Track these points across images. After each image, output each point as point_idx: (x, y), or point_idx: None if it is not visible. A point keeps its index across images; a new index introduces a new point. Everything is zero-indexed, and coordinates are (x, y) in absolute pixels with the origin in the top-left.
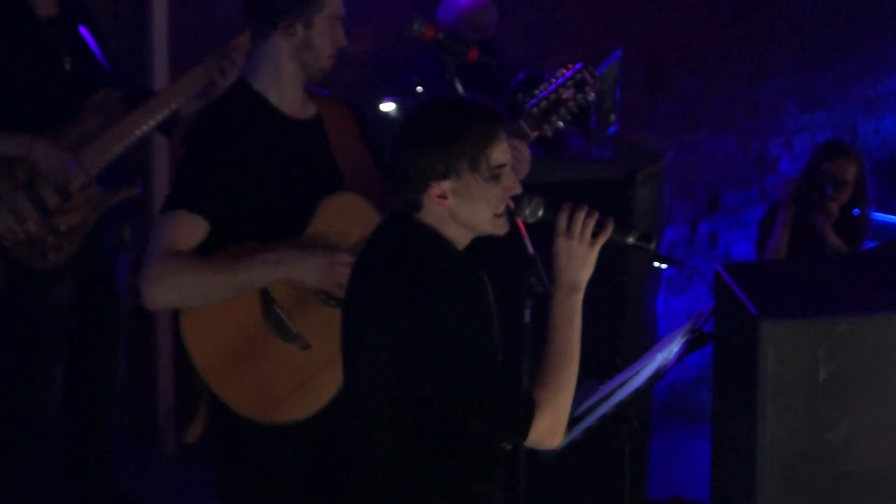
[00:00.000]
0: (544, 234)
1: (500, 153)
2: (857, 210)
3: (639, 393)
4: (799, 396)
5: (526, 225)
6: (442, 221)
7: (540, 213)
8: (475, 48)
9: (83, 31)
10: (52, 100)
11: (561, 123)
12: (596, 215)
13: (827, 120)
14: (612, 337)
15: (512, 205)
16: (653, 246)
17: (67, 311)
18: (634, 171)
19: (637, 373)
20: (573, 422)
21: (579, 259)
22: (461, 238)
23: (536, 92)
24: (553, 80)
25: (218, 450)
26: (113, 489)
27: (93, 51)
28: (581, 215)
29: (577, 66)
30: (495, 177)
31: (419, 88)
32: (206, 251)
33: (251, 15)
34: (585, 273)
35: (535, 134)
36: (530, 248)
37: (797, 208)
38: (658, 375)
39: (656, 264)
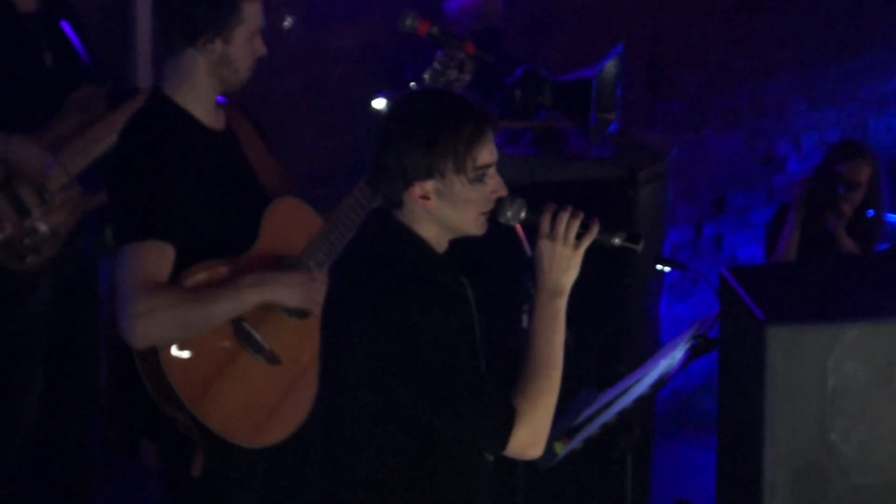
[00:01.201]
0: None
1: (486, 154)
2: (870, 211)
3: (641, 401)
4: (807, 405)
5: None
6: (421, 221)
7: (522, 214)
8: (471, 43)
9: (65, 26)
10: (32, 96)
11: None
12: (581, 216)
13: (836, 118)
14: (613, 343)
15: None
16: (641, 246)
17: (45, 316)
18: (636, 170)
19: (639, 380)
20: (573, 431)
21: (563, 262)
22: (441, 238)
23: (425, 76)
24: (435, 63)
25: (209, 480)
26: (92, 502)
27: (75, 46)
28: (565, 216)
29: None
30: (480, 178)
31: (412, 84)
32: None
33: (164, 27)
34: (569, 276)
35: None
36: (528, 251)
37: (808, 210)
38: (661, 383)
39: (659, 267)
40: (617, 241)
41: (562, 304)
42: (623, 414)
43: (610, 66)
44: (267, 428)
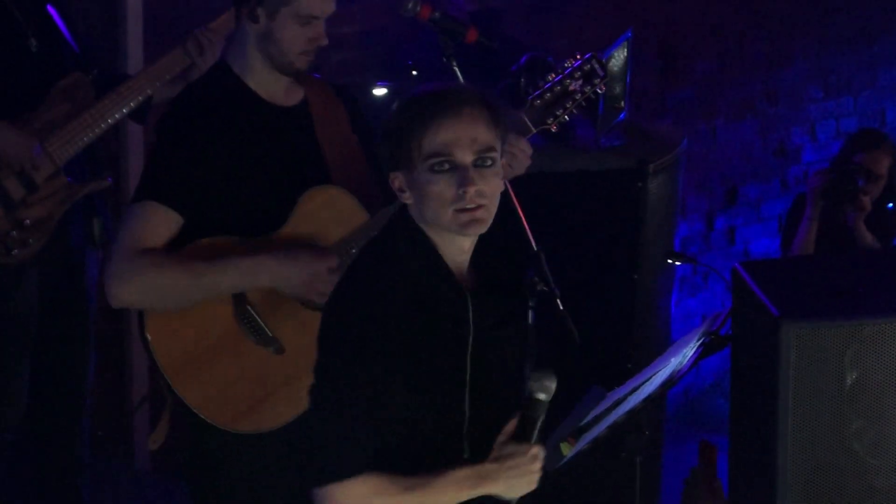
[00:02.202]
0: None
1: (433, 142)
2: (891, 204)
3: (651, 400)
4: (823, 404)
5: (528, 220)
6: (420, 221)
7: (541, 397)
8: (474, 29)
9: (51, 10)
10: (17, 83)
11: (567, 118)
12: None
13: (853, 106)
14: (623, 340)
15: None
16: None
17: (33, 311)
18: (646, 161)
19: (649, 379)
20: (580, 431)
21: (521, 478)
22: (447, 239)
23: (541, 83)
24: (561, 70)
25: (186, 457)
26: (83, 503)
27: (61, 32)
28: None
29: (587, 55)
30: (434, 168)
31: (414, 72)
32: (178, 245)
33: None
34: (509, 488)
35: (536, 129)
36: (534, 244)
37: (826, 202)
38: (671, 382)
39: (669, 261)
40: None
41: (480, 490)
42: (632, 414)
43: (619, 53)
44: (252, 415)
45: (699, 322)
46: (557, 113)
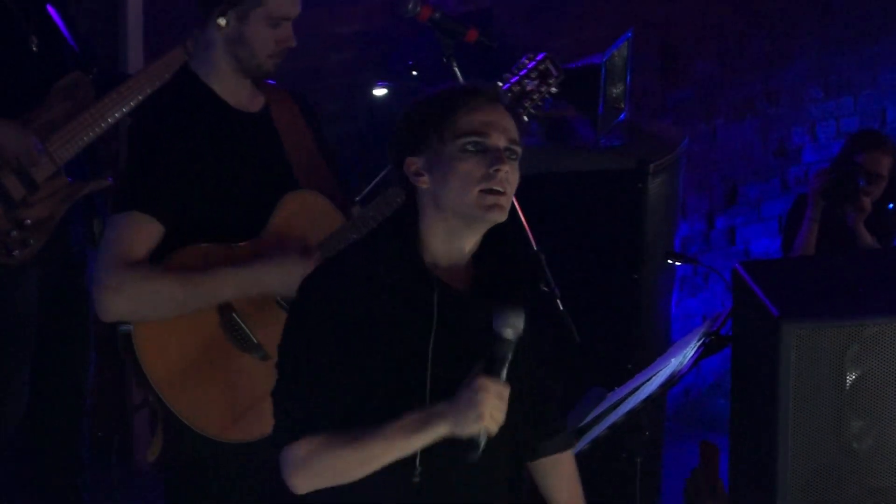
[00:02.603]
0: (546, 233)
1: (469, 119)
2: (891, 205)
3: (651, 401)
4: (823, 404)
5: (528, 220)
6: (427, 210)
7: (507, 332)
8: (474, 29)
9: (51, 10)
10: (17, 82)
11: (525, 118)
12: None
13: (854, 106)
14: (623, 340)
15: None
16: (467, 457)
17: (33, 311)
18: (646, 161)
19: (649, 379)
20: (581, 431)
21: (470, 409)
22: (451, 233)
23: (499, 83)
24: (515, 70)
25: (173, 467)
26: (82, 503)
27: (61, 31)
28: (507, 392)
29: (540, 55)
30: (466, 146)
31: (414, 73)
32: (158, 254)
33: None
34: (460, 422)
35: None
36: (534, 245)
37: (827, 202)
38: (672, 382)
39: (670, 262)
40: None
41: (431, 427)
42: (632, 414)
43: (619, 53)
44: (241, 424)
45: (699, 322)
46: (517, 112)
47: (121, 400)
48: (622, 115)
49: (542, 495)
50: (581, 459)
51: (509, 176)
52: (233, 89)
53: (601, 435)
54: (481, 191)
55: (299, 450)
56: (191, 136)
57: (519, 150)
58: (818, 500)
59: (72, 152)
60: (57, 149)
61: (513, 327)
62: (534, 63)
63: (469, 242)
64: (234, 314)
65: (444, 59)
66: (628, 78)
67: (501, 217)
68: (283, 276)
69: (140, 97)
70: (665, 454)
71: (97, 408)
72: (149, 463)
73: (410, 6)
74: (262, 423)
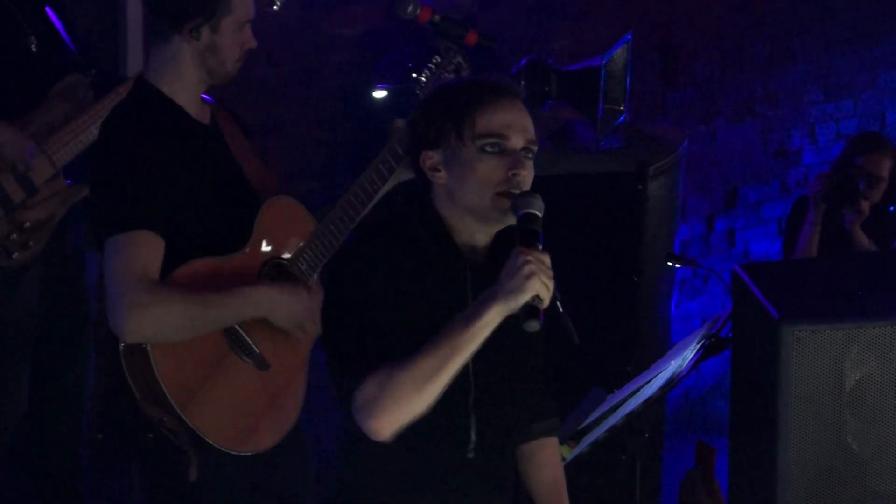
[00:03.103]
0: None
1: (489, 120)
2: (892, 207)
3: (651, 403)
4: (824, 407)
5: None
6: (443, 203)
7: (530, 210)
8: (474, 31)
9: (50, 11)
10: (16, 83)
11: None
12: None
13: (853, 109)
14: (623, 343)
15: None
16: (527, 327)
17: (33, 313)
18: (646, 163)
19: (649, 381)
20: (581, 433)
21: (517, 275)
22: (467, 227)
23: (423, 79)
24: (434, 67)
25: (166, 484)
26: None
27: (60, 33)
28: (547, 257)
29: (453, 51)
30: (485, 148)
31: (414, 75)
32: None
33: (151, 12)
34: (509, 292)
35: None
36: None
37: (827, 205)
38: (671, 384)
39: (669, 264)
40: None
41: (487, 311)
42: (632, 416)
43: (619, 55)
44: (253, 434)
45: (699, 324)
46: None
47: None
48: (622, 117)
49: (523, 479)
50: (581, 461)
51: (527, 176)
52: (192, 101)
53: (601, 437)
54: (498, 193)
55: (368, 389)
56: (167, 149)
57: (535, 147)
58: (818, 502)
59: (70, 155)
60: (56, 151)
61: (535, 206)
62: (445, 59)
63: (481, 238)
64: (235, 326)
65: (430, 63)
66: (628, 80)
67: (514, 219)
68: (292, 306)
69: None
70: (665, 456)
71: (96, 410)
72: (191, 480)
73: (410, 8)
74: (269, 435)
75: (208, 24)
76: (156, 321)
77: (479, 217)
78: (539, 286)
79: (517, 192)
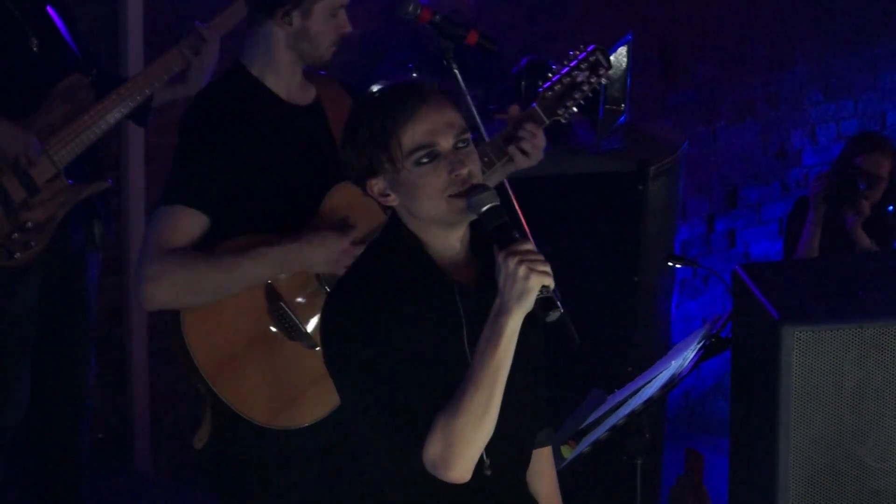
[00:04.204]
0: (547, 235)
1: (411, 136)
2: (892, 207)
3: (651, 403)
4: (824, 407)
5: (529, 223)
6: (410, 222)
7: (484, 208)
8: (475, 31)
9: (51, 11)
10: (17, 83)
11: (575, 109)
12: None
13: (853, 109)
14: (623, 343)
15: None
16: (549, 317)
17: (34, 313)
18: (646, 163)
19: (649, 381)
20: (581, 434)
21: (516, 281)
22: (439, 237)
23: (550, 75)
24: (566, 62)
25: (216, 456)
26: None
27: (61, 33)
28: (530, 245)
29: (590, 47)
30: (422, 161)
31: (414, 75)
32: (209, 246)
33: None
34: (517, 301)
35: (549, 120)
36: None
37: (828, 206)
38: (672, 384)
39: (670, 264)
40: (544, 294)
41: (506, 325)
42: (633, 416)
43: (619, 55)
44: (288, 411)
45: (700, 325)
46: (567, 104)
47: (121, 402)
48: (622, 118)
49: None
50: (582, 461)
51: (473, 169)
52: (287, 83)
53: (602, 437)
54: (450, 197)
55: (434, 448)
56: (240, 131)
57: (468, 134)
58: (819, 502)
59: (72, 154)
60: (57, 151)
61: (489, 199)
62: (584, 54)
63: (456, 238)
64: (281, 303)
65: (445, 62)
66: (629, 80)
67: (476, 213)
68: (320, 251)
69: (139, 98)
70: (665, 456)
71: (97, 409)
72: (196, 449)
73: (410, 8)
74: (309, 411)
75: (299, 10)
76: (168, 289)
77: (445, 224)
78: (538, 279)
79: (467, 189)
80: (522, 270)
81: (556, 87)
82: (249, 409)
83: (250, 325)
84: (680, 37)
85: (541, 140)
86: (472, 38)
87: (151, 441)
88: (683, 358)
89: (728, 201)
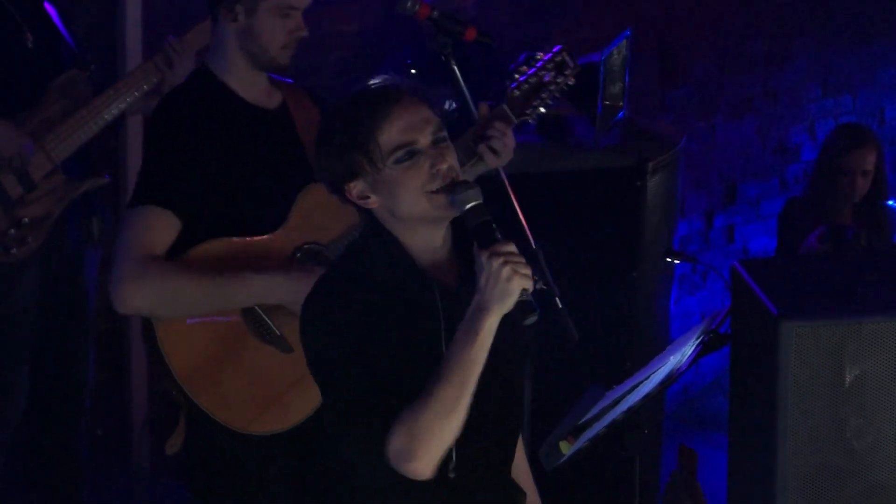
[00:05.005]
0: (545, 231)
1: (389, 136)
2: (887, 201)
3: (650, 399)
4: (822, 402)
5: (527, 219)
6: (387, 222)
7: (467, 206)
8: (473, 27)
9: (48, 6)
10: (13, 80)
11: (542, 109)
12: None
13: (852, 105)
14: (621, 339)
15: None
16: (527, 320)
17: (32, 309)
18: (645, 159)
19: (648, 377)
20: (579, 429)
21: (498, 282)
22: (420, 236)
23: (517, 75)
24: (533, 62)
25: (193, 462)
26: (81, 502)
27: (58, 28)
28: (512, 246)
29: (556, 48)
30: (401, 160)
31: (412, 71)
32: (175, 248)
33: None
34: (498, 301)
35: (517, 119)
36: (532, 243)
37: (818, 203)
38: (670, 380)
39: (668, 260)
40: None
41: (484, 324)
42: (631, 412)
43: (618, 51)
44: (265, 416)
45: (698, 320)
46: (535, 104)
47: (120, 399)
48: (621, 114)
49: None
50: (580, 457)
51: (451, 163)
52: (248, 85)
53: (600, 433)
54: (432, 193)
55: (398, 439)
56: (206, 132)
57: (444, 132)
58: (817, 498)
59: (69, 150)
60: (54, 147)
61: (472, 196)
62: (549, 55)
63: (438, 237)
64: (256, 307)
65: (443, 58)
66: (627, 76)
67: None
68: (299, 290)
69: (137, 94)
70: (664, 452)
71: (96, 407)
72: (169, 455)
73: (409, 4)
74: (286, 416)
75: (243, 6)
76: (145, 295)
77: (427, 222)
78: (520, 281)
79: (450, 185)
80: (506, 272)
81: (524, 87)
82: (225, 414)
83: (225, 328)
84: (678, 33)
85: (510, 139)
86: (471, 34)
87: (151, 438)
88: (682, 354)
89: (727, 197)
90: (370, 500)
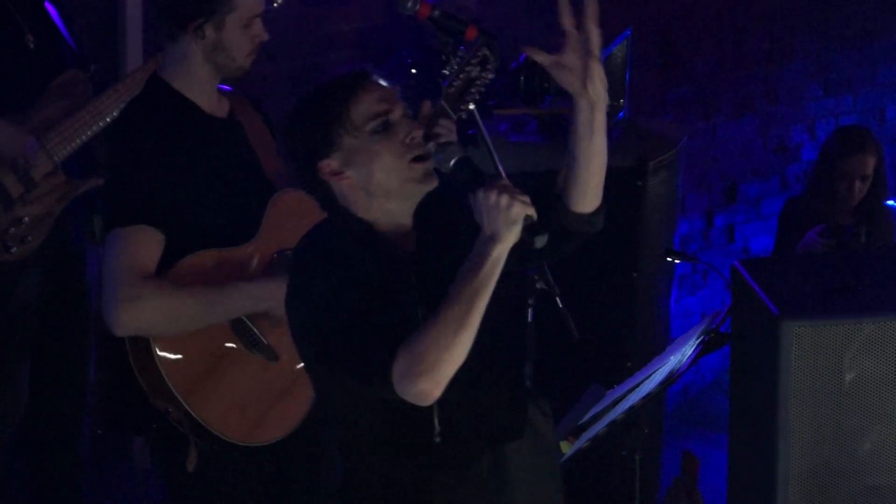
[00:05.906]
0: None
1: (366, 105)
2: (892, 202)
3: (650, 398)
4: (822, 403)
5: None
6: (358, 202)
7: (451, 162)
8: (474, 26)
9: (49, 6)
10: (14, 80)
11: (472, 105)
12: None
13: (853, 104)
14: (622, 338)
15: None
16: (539, 240)
17: (32, 308)
18: (646, 159)
19: (648, 377)
20: (580, 429)
21: (500, 211)
22: (389, 213)
23: (446, 71)
24: (459, 61)
25: (179, 475)
26: (82, 500)
27: (59, 28)
28: (505, 180)
29: (476, 41)
30: (378, 130)
31: (413, 70)
32: (166, 263)
33: (157, 14)
34: (504, 228)
35: (455, 115)
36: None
37: (817, 205)
38: (671, 379)
39: (669, 259)
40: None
41: (493, 250)
42: (632, 411)
43: (618, 50)
44: (261, 426)
45: (699, 320)
46: (467, 99)
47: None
48: (621, 113)
49: None
50: (581, 457)
51: (422, 132)
52: (206, 96)
53: (600, 432)
54: (410, 162)
55: (404, 360)
56: (171, 145)
57: (412, 113)
58: (817, 498)
59: (69, 150)
60: (54, 146)
61: (457, 152)
62: (470, 51)
63: (408, 214)
64: (243, 317)
65: (444, 57)
66: (627, 75)
67: (435, 184)
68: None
69: (136, 93)
70: (664, 451)
71: (97, 405)
72: (188, 470)
73: (410, 4)
74: (281, 425)
75: (212, 23)
76: (145, 315)
77: (403, 194)
78: (521, 207)
79: (431, 149)
80: (505, 200)
81: (457, 83)
82: (225, 428)
83: (216, 339)
84: (679, 32)
85: (455, 136)
86: (472, 33)
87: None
88: (682, 353)
89: (727, 196)
90: (360, 466)
